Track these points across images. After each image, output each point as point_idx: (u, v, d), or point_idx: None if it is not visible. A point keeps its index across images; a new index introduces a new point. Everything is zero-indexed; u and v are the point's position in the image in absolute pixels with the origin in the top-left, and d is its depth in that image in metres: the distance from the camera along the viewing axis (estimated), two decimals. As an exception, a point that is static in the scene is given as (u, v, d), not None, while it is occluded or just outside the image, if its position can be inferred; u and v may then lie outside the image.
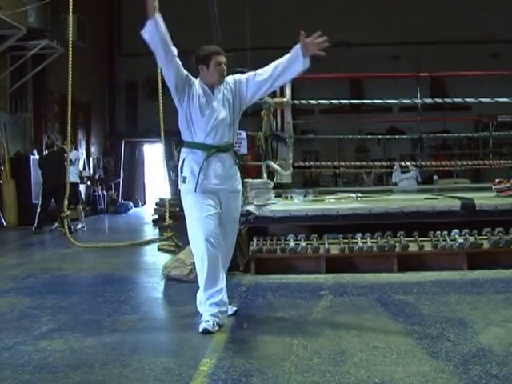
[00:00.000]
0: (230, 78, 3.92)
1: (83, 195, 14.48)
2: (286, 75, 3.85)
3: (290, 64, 3.79)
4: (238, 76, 3.93)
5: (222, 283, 3.72)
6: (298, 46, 3.74)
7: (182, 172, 3.79)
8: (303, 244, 5.47)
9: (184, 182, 3.75)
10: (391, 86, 12.72)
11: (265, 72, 3.82)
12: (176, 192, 14.42)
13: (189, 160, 3.76)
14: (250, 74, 3.88)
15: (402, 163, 10.22)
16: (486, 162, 9.88)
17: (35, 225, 9.96)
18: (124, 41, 17.72)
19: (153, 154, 18.20)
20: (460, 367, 2.82)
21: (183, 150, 3.83)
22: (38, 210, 10.21)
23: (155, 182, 17.18)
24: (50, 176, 10.11)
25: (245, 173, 5.36)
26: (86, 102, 15.71)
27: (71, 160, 9.69)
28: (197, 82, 3.85)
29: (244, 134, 6.00)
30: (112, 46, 17.78)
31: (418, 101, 8.38)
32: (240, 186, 3.91)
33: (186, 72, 3.79)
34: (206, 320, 3.58)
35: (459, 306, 4.05)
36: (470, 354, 3.01)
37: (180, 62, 3.74)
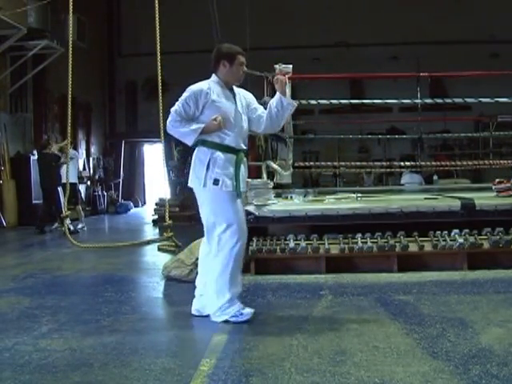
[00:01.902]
0: (245, 92, 3.96)
1: (83, 195, 14.49)
2: (278, 120, 3.95)
3: (278, 111, 3.86)
4: (252, 97, 4.01)
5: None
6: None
7: (207, 172, 3.70)
8: (303, 244, 5.46)
9: (216, 183, 3.69)
10: (391, 86, 12.69)
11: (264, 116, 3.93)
12: (176, 192, 14.47)
13: (219, 162, 3.71)
14: (260, 106, 4.00)
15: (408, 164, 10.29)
16: (486, 161, 9.86)
17: (36, 225, 9.99)
18: (124, 41, 17.73)
19: (153, 154, 18.20)
20: (460, 367, 2.82)
21: (207, 150, 3.74)
22: (39, 211, 10.27)
23: (155, 182, 17.18)
24: (42, 177, 10.16)
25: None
26: (86, 102, 15.71)
27: (71, 158, 9.72)
28: (208, 82, 3.81)
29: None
30: (112, 46, 17.77)
31: (418, 101, 8.38)
32: None
33: (194, 100, 3.74)
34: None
35: (459, 306, 4.05)
36: (470, 353, 3.01)
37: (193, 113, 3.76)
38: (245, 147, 3.87)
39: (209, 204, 3.77)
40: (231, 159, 3.73)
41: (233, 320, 3.68)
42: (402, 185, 10.74)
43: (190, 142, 3.76)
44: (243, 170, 3.79)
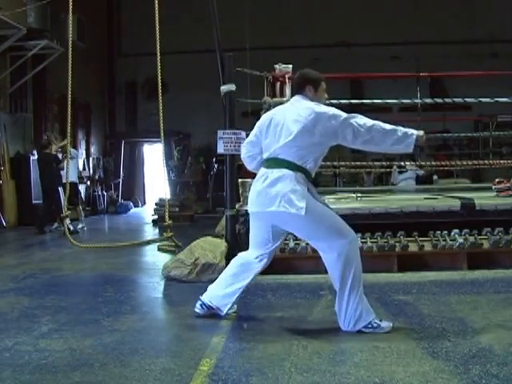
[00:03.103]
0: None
1: (83, 195, 14.48)
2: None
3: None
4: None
5: None
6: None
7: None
8: (303, 244, 5.46)
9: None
10: (391, 86, 12.70)
11: None
12: (176, 192, 14.47)
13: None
14: None
15: (401, 163, 10.22)
16: (486, 161, 9.86)
17: (36, 225, 9.99)
18: (124, 41, 17.73)
19: (153, 154, 18.21)
20: (460, 367, 2.82)
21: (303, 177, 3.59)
22: (39, 211, 10.27)
23: (155, 182, 17.18)
24: (42, 177, 10.16)
25: (244, 173, 5.37)
26: (86, 102, 15.71)
27: (72, 157, 9.72)
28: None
29: (244, 134, 5.99)
30: (112, 45, 17.77)
31: (418, 101, 8.38)
32: None
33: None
34: None
35: (459, 305, 4.05)
36: (470, 353, 3.01)
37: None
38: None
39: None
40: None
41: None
42: (396, 184, 10.68)
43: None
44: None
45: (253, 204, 3.71)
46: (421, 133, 3.52)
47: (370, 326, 3.48)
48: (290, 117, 3.59)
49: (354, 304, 3.47)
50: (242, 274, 3.81)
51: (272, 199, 3.53)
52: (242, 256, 3.89)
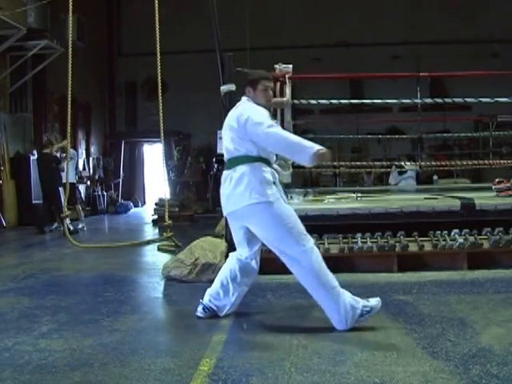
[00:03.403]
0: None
1: (83, 195, 14.49)
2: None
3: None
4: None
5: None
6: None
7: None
8: (303, 244, 5.45)
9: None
10: (391, 86, 12.72)
11: None
12: (176, 192, 14.47)
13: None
14: None
15: (398, 163, 10.23)
16: (486, 161, 9.86)
17: (36, 225, 9.99)
18: (124, 41, 17.74)
19: (153, 154, 18.21)
20: (460, 367, 2.82)
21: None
22: (39, 211, 10.27)
23: (155, 182, 17.18)
24: (41, 178, 10.16)
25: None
26: (86, 102, 15.72)
27: (71, 158, 9.72)
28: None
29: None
30: (112, 46, 17.78)
31: (418, 101, 8.38)
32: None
33: None
34: None
35: (459, 305, 4.05)
36: (470, 353, 3.01)
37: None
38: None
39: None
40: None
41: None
42: (396, 185, 10.68)
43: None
44: None
45: (225, 207, 3.82)
46: (322, 150, 3.53)
47: (364, 312, 3.52)
48: (230, 120, 3.83)
49: (340, 301, 3.51)
50: (242, 278, 3.86)
51: (241, 196, 3.63)
52: (236, 258, 3.91)
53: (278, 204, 3.63)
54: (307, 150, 3.54)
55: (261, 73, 3.97)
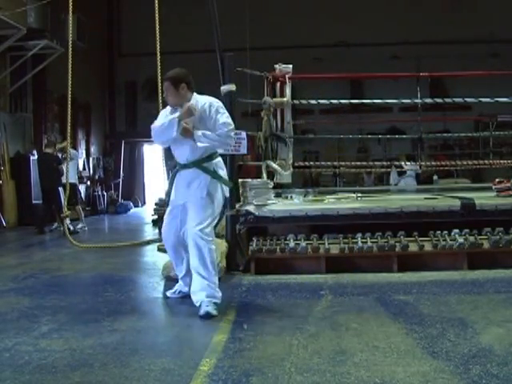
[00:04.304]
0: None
1: (83, 195, 14.49)
2: None
3: None
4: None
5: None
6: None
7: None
8: (303, 244, 5.46)
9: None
10: (391, 86, 12.70)
11: None
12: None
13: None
14: None
15: (397, 162, 10.24)
16: (486, 161, 9.86)
17: (36, 225, 9.99)
18: (124, 41, 17.74)
19: (153, 154, 18.19)
20: (460, 367, 2.82)
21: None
22: (39, 211, 10.27)
23: (155, 182, 17.17)
24: (42, 178, 10.16)
25: (245, 173, 5.38)
26: (86, 102, 15.71)
27: (71, 158, 9.72)
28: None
29: (244, 134, 5.99)
30: (112, 46, 17.78)
31: (418, 101, 8.38)
32: None
33: None
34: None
35: (459, 306, 4.05)
36: (470, 353, 3.01)
37: None
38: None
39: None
40: None
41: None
42: (396, 184, 10.69)
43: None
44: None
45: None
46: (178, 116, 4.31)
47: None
48: None
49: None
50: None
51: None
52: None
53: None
54: (171, 121, 4.29)
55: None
